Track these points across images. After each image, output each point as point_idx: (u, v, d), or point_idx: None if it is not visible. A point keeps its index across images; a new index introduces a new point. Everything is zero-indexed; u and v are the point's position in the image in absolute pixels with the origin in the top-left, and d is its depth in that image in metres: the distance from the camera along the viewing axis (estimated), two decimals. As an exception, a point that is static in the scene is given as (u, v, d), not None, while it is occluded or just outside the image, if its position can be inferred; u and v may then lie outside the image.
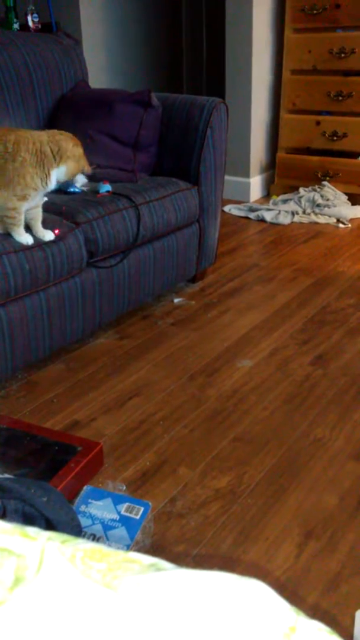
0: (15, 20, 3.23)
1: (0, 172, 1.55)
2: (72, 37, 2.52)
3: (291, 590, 1.12)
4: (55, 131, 1.68)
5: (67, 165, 1.64)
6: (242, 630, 0.33)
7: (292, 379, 1.80)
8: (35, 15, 3.26)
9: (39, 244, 1.67)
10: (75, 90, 2.38)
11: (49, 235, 1.68)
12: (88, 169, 1.70)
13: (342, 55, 3.18)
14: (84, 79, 2.48)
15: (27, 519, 1.11)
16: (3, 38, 2.26)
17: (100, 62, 3.56)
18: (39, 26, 3.30)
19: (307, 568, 1.17)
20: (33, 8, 3.26)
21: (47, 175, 1.61)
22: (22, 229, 1.63)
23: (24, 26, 3.26)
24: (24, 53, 2.26)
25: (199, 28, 4.36)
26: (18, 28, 3.23)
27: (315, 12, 3.18)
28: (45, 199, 1.91)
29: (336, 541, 1.23)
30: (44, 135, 1.63)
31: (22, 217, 1.62)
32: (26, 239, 1.64)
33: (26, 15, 3.25)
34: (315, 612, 1.09)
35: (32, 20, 3.26)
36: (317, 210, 3.25)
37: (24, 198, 1.58)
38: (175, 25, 4.25)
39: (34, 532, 0.40)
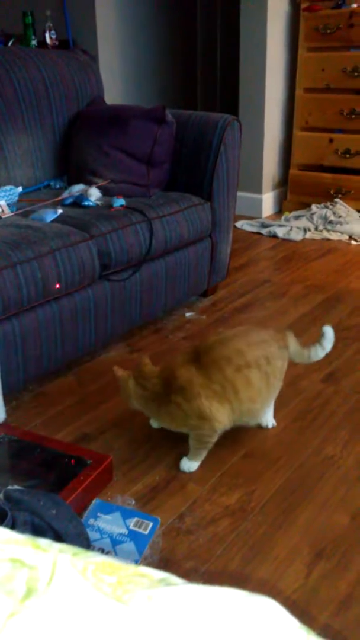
0: (33, 37, 3.29)
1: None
2: (88, 54, 2.56)
3: (301, 610, 1.11)
4: None
5: None
6: (254, 648, 0.32)
7: (304, 396, 1.79)
8: (52, 32, 3.32)
9: (50, 250, 1.69)
10: (91, 106, 2.41)
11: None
12: None
13: (356, 74, 3.19)
14: (99, 95, 2.51)
15: (36, 532, 1.10)
16: (21, 54, 2.30)
17: (116, 79, 3.61)
18: (57, 43, 3.36)
19: (317, 588, 1.15)
20: (51, 25, 3.32)
21: None
22: None
23: (42, 43, 3.32)
24: (42, 69, 2.30)
25: (213, 46, 4.42)
26: (36, 45, 3.29)
27: (329, 31, 3.21)
28: (60, 211, 1.93)
29: (347, 562, 1.21)
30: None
31: None
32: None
33: (44, 32, 3.31)
34: (326, 633, 1.07)
35: (50, 37, 3.32)
36: (329, 227, 3.25)
37: None
38: (190, 43, 4.31)
39: (45, 544, 0.40)
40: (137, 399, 1.48)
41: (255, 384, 1.43)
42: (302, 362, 1.61)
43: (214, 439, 1.46)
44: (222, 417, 1.42)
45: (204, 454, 1.49)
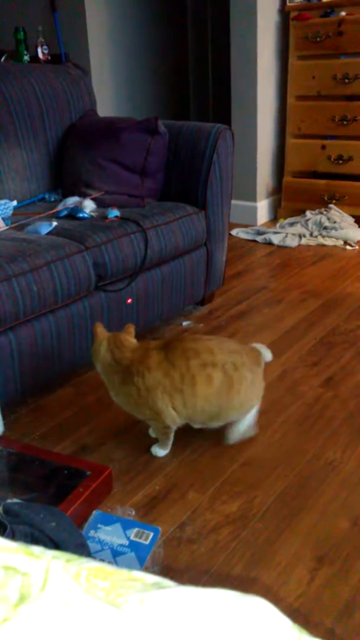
0: (25, 52, 3.31)
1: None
2: (80, 68, 2.59)
3: (304, 617, 1.10)
4: None
5: None
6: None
7: (302, 401, 1.78)
8: (45, 47, 3.35)
9: (46, 262, 1.69)
10: (84, 119, 2.43)
11: None
12: None
13: (346, 80, 3.22)
14: (92, 107, 2.53)
15: (36, 544, 1.10)
16: (14, 70, 2.32)
17: (109, 91, 3.64)
18: (49, 57, 3.38)
19: (320, 594, 1.14)
20: (43, 40, 3.35)
21: None
22: None
23: (34, 58, 3.35)
24: (34, 84, 2.32)
25: (204, 56, 4.45)
26: (28, 60, 3.32)
27: (318, 39, 3.24)
28: (55, 223, 1.94)
29: (349, 566, 1.20)
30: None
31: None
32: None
33: (36, 47, 3.34)
34: (329, 638, 1.06)
35: (42, 52, 3.35)
36: (324, 232, 3.27)
37: None
38: (181, 54, 4.35)
39: (39, 551, 0.39)
40: (104, 365, 1.50)
41: (215, 385, 1.44)
42: None
43: (170, 430, 1.52)
44: (172, 413, 1.47)
45: (168, 442, 1.56)
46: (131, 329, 1.53)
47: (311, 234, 3.29)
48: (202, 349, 1.45)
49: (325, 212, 3.36)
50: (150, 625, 0.33)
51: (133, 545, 1.26)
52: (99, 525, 1.31)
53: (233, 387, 1.46)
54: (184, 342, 1.48)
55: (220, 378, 1.44)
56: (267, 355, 1.60)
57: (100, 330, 1.52)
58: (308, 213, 3.41)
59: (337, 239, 3.22)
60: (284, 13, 3.39)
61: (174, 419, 1.49)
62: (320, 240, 3.24)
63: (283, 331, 2.24)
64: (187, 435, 1.63)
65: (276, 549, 1.25)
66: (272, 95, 3.53)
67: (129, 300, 1.70)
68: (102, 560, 1.24)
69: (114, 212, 2.03)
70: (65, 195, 2.26)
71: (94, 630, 0.33)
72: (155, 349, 1.48)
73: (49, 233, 1.89)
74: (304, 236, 3.28)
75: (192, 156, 2.24)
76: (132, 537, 1.28)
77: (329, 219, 3.30)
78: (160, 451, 1.57)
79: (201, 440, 1.61)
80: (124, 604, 0.35)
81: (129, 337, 1.51)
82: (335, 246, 3.19)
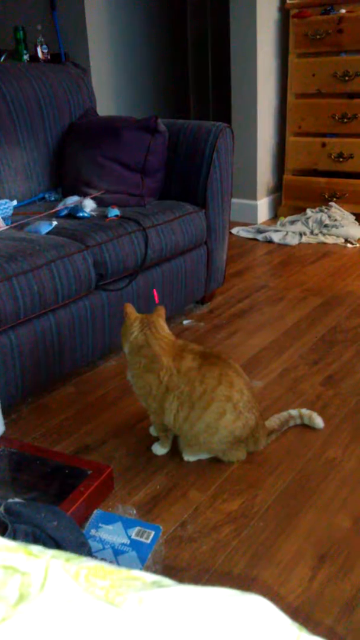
0: (25, 51, 3.32)
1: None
2: (80, 67, 2.58)
3: (305, 615, 1.10)
4: None
5: None
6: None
7: (304, 400, 1.78)
8: (44, 46, 3.35)
9: (46, 262, 1.69)
10: (84, 118, 2.43)
11: None
12: None
13: (346, 78, 3.22)
14: (92, 107, 2.52)
15: (37, 543, 1.10)
16: (13, 69, 2.32)
17: (108, 90, 3.64)
18: (49, 57, 3.38)
19: (321, 592, 1.14)
20: (42, 40, 3.34)
21: None
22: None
23: (34, 57, 3.35)
24: (34, 83, 2.32)
25: (204, 55, 4.45)
26: (28, 59, 3.32)
27: (318, 37, 3.24)
28: (55, 223, 1.94)
29: (351, 564, 1.20)
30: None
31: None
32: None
33: (36, 46, 3.34)
34: (331, 637, 1.06)
35: (42, 52, 3.35)
36: (324, 230, 3.26)
37: None
38: (181, 53, 4.34)
39: (38, 550, 0.40)
40: (134, 346, 1.47)
41: (222, 422, 1.43)
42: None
43: (169, 429, 1.52)
44: (171, 417, 1.46)
45: (167, 441, 1.56)
46: (162, 311, 1.51)
47: (312, 232, 3.29)
48: (237, 384, 1.43)
49: (325, 210, 3.36)
50: (149, 624, 0.33)
51: (134, 544, 1.26)
52: (100, 524, 1.31)
53: (231, 435, 1.45)
54: (227, 367, 1.45)
55: (231, 420, 1.43)
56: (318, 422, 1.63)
57: (131, 310, 1.50)
58: (309, 211, 3.41)
59: (337, 236, 3.22)
60: (284, 11, 3.39)
61: (170, 422, 1.48)
62: (321, 238, 3.24)
63: (284, 329, 2.24)
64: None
65: (277, 547, 1.25)
66: (272, 93, 3.52)
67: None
68: (104, 559, 1.25)
69: (114, 211, 2.03)
70: (65, 195, 2.26)
71: (93, 629, 0.33)
72: (191, 352, 1.46)
73: (49, 232, 1.89)
74: (305, 234, 3.27)
75: (192, 155, 2.24)
76: (133, 536, 1.28)
77: (329, 216, 3.30)
78: (160, 449, 1.57)
79: (202, 438, 1.61)
80: (123, 603, 0.35)
81: (163, 323, 1.49)
82: (335, 244, 3.19)
